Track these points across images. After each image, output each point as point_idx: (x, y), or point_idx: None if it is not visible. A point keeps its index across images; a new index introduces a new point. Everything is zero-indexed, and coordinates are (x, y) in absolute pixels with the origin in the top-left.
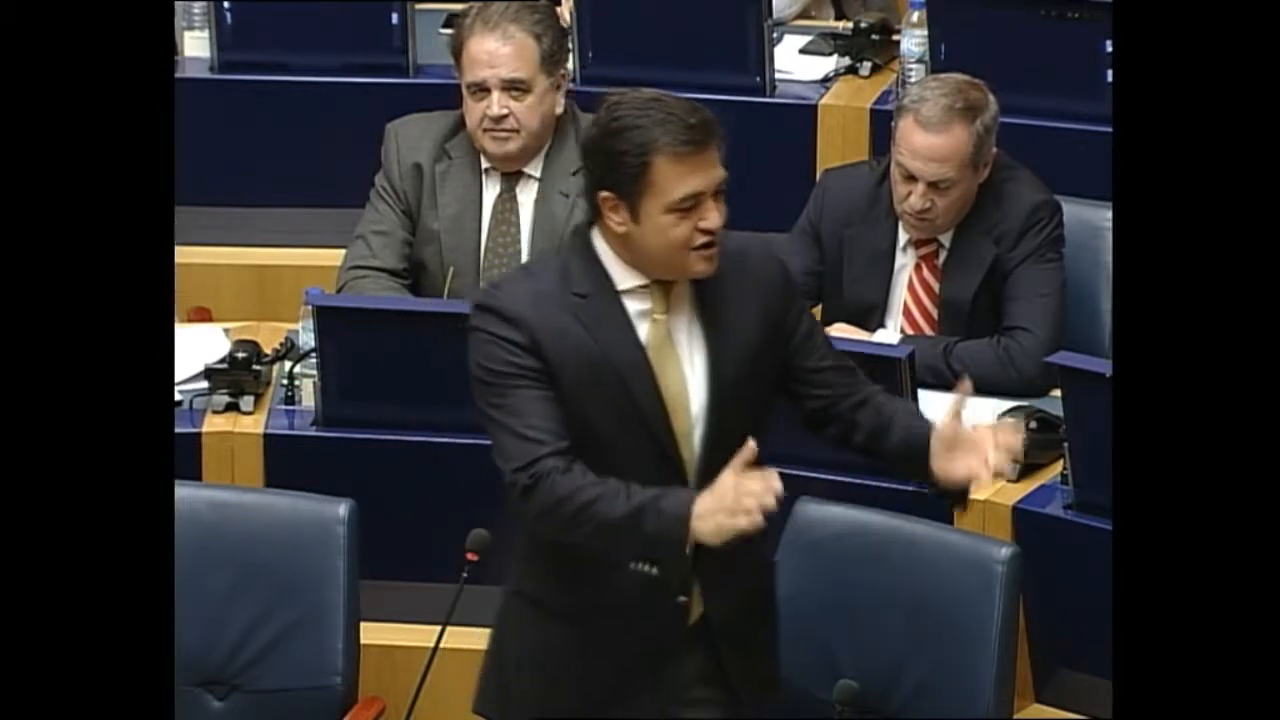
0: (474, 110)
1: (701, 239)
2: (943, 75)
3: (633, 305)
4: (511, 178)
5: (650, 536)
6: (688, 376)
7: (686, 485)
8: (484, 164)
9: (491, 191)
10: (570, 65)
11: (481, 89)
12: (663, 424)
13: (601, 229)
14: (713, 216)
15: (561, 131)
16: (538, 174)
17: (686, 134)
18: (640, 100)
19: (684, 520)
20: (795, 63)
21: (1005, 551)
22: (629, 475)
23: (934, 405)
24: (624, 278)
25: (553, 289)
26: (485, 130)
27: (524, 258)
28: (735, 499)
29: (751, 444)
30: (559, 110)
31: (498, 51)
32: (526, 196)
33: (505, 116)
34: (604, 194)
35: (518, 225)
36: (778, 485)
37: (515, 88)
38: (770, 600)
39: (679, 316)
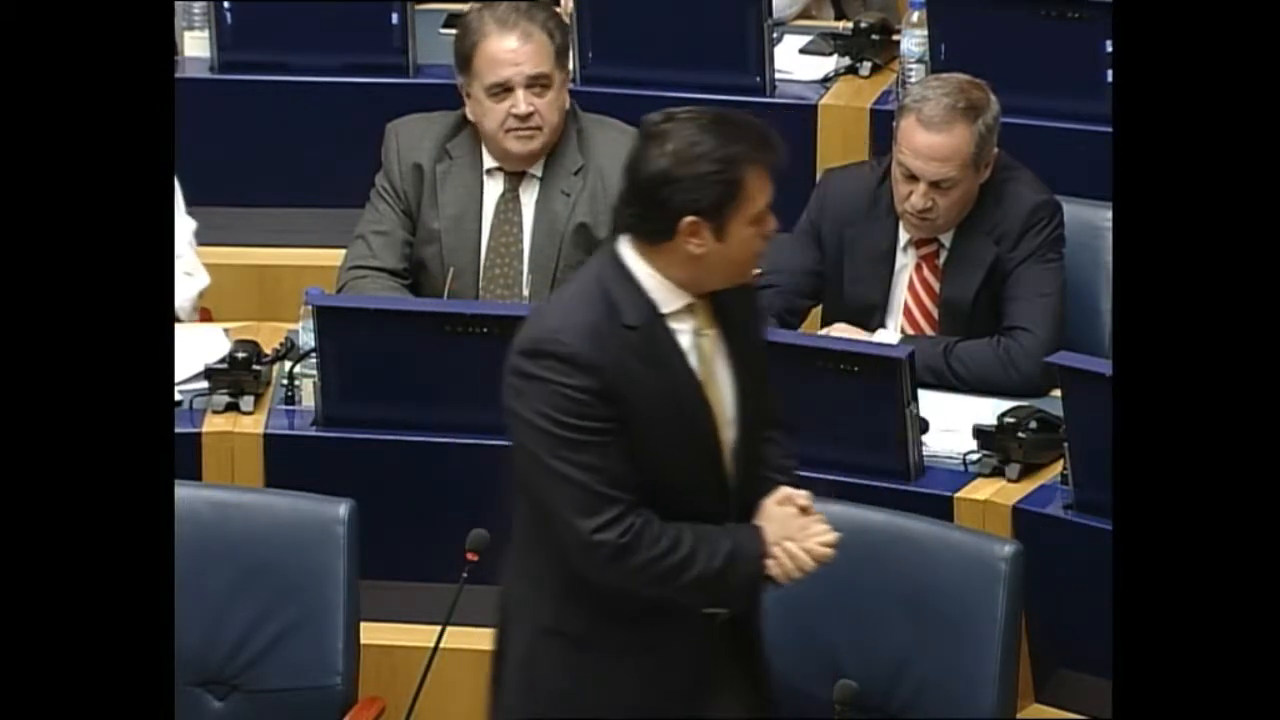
0: (494, 112)
1: (512, 123)
2: (944, 75)
3: (677, 326)
4: (515, 178)
5: (737, 585)
6: (724, 389)
7: (729, 497)
8: (486, 164)
9: (494, 191)
10: (571, 65)
11: (505, 88)
12: (715, 441)
13: (645, 253)
14: (773, 221)
15: (564, 130)
16: (539, 174)
17: (765, 142)
18: (704, 120)
19: (762, 564)
20: (795, 63)
21: (1008, 549)
22: (686, 496)
23: (934, 405)
24: (668, 300)
25: (606, 323)
26: (509, 130)
27: (525, 257)
28: (806, 545)
29: (803, 493)
30: (566, 107)
31: (520, 49)
32: (529, 196)
33: (531, 114)
34: (689, 219)
35: (520, 225)
36: (835, 534)
37: (539, 84)
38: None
39: (716, 331)
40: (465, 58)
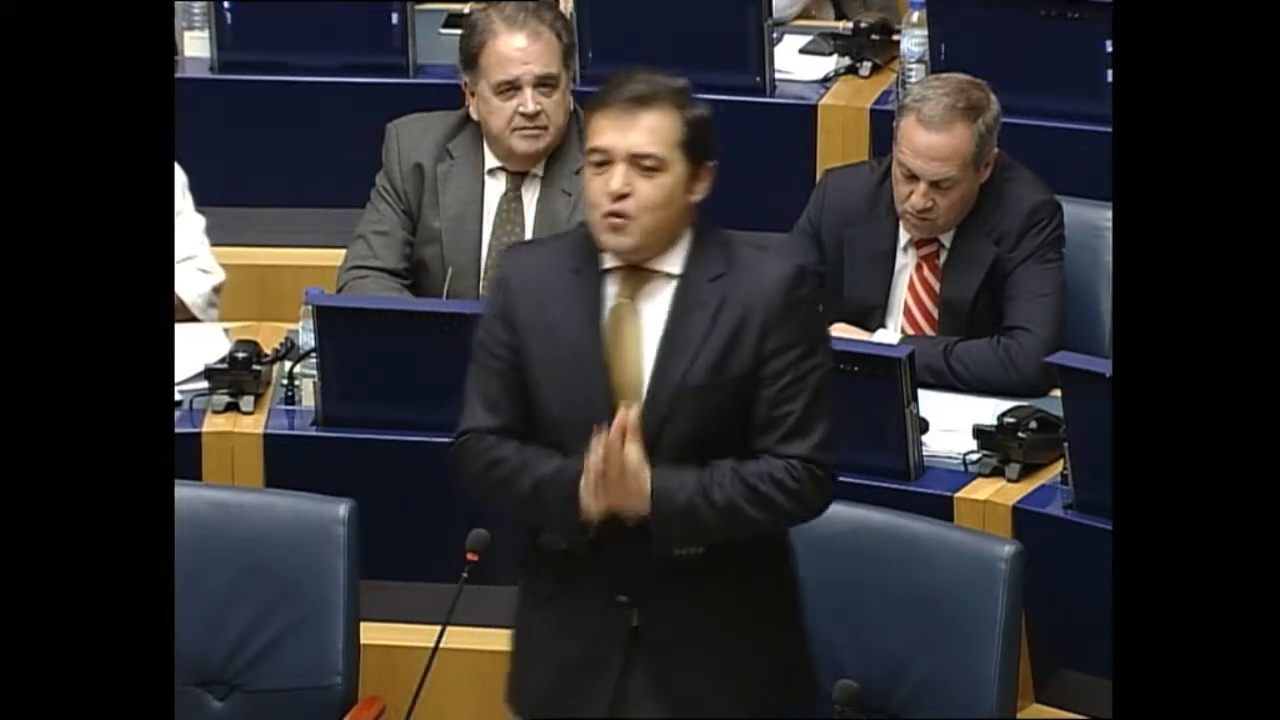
0: (501, 110)
1: (520, 121)
2: (944, 75)
3: (610, 288)
4: (517, 177)
5: (552, 511)
6: (645, 367)
7: None
8: (488, 164)
9: (495, 191)
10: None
11: (512, 87)
12: (606, 408)
13: None
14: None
15: (566, 130)
16: (541, 173)
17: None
18: None
19: (572, 496)
20: (795, 63)
21: (1008, 549)
22: (573, 453)
23: (934, 405)
24: (609, 257)
25: (558, 259)
26: (516, 129)
27: None
28: (614, 476)
29: (630, 413)
30: (571, 108)
31: (529, 49)
32: (531, 196)
33: (538, 113)
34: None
35: (523, 225)
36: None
37: (546, 84)
38: (734, 625)
39: (654, 306)
40: (472, 55)
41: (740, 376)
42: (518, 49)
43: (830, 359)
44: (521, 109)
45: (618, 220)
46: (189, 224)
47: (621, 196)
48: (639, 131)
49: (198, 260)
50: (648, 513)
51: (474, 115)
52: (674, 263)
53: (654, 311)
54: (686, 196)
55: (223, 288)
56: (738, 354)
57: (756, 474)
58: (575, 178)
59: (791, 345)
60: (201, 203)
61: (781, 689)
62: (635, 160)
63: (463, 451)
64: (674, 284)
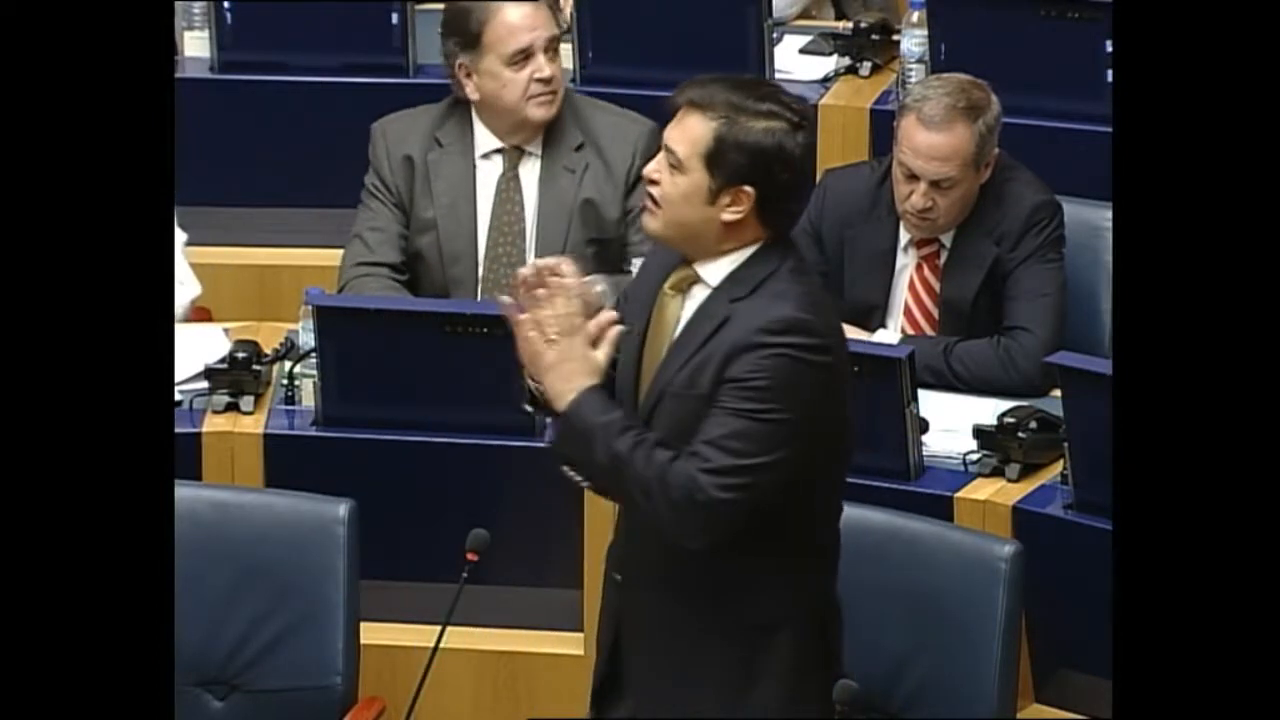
0: (515, 81)
1: (536, 88)
2: (945, 75)
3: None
4: (514, 157)
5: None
6: (657, 354)
7: None
8: (480, 149)
9: (490, 173)
10: (570, 64)
11: (526, 55)
12: (634, 388)
13: None
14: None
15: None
16: (538, 151)
17: None
18: None
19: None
20: (795, 63)
21: (1008, 549)
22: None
23: (934, 405)
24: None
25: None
26: (532, 97)
27: (530, 237)
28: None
29: (563, 266)
30: None
31: (535, 15)
32: (530, 175)
33: (553, 77)
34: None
35: (522, 204)
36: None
37: (553, 47)
38: (697, 627)
39: (690, 307)
40: (474, 35)
41: (703, 395)
42: (526, 16)
43: (791, 414)
44: (538, 74)
45: (649, 203)
46: None
47: (653, 182)
48: (676, 128)
49: (175, 270)
50: (558, 408)
51: (473, 98)
52: (715, 274)
53: (688, 312)
54: (712, 210)
55: (198, 300)
56: (706, 372)
57: (657, 461)
58: (576, 154)
59: (738, 380)
60: (202, 203)
61: (753, 697)
62: (668, 153)
63: None
64: (708, 293)
